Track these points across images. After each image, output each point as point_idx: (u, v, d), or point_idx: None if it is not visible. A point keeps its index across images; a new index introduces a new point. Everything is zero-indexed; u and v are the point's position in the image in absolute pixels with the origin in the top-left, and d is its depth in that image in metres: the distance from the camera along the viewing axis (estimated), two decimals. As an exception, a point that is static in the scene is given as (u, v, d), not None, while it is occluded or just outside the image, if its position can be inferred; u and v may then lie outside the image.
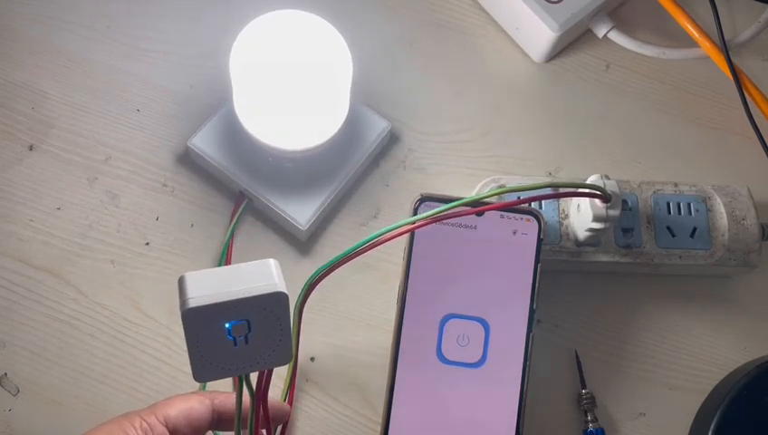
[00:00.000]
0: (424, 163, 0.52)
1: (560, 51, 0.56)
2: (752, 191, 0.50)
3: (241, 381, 0.37)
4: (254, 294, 0.34)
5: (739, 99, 0.53)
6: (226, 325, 0.34)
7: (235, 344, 0.35)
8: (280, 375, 0.46)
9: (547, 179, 0.51)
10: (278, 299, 0.35)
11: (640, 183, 0.50)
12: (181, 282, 0.35)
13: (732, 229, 0.49)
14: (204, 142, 0.50)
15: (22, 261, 0.48)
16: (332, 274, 0.41)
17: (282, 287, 0.35)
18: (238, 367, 0.36)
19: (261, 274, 0.35)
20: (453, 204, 0.42)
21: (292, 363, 0.45)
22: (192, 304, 0.34)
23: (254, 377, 0.38)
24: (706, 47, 0.53)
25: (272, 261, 0.36)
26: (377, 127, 0.51)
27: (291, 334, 0.36)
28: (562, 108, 0.55)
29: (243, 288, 0.34)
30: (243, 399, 0.37)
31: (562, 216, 0.48)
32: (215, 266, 0.49)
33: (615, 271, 0.50)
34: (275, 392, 0.46)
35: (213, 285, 0.34)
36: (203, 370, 0.35)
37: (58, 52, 0.53)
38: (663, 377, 0.49)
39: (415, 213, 0.45)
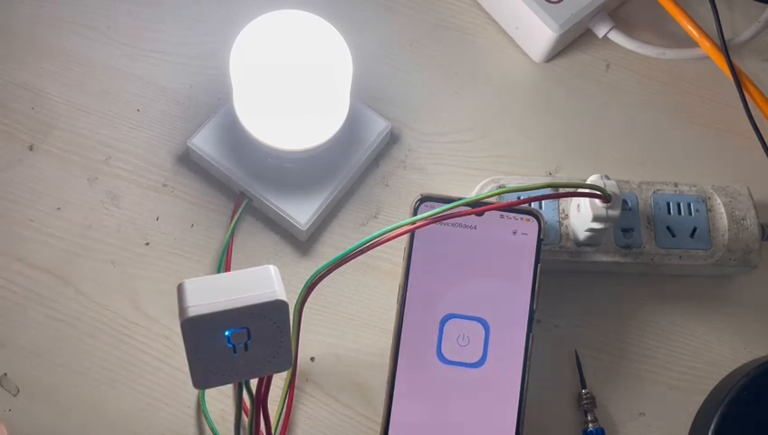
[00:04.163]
0: (424, 163, 0.52)
1: (560, 51, 0.56)
2: (752, 191, 0.50)
3: (241, 386, 0.37)
4: (254, 302, 0.34)
5: (739, 99, 0.53)
6: (226, 333, 0.34)
7: (235, 352, 0.35)
8: (280, 375, 0.46)
9: (547, 179, 0.51)
10: (278, 307, 0.35)
11: (640, 183, 0.50)
12: (180, 289, 0.35)
13: (732, 229, 0.49)
14: (204, 142, 0.50)
15: (22, 261, 0.48)
16: (332, 274, 0.41)
17: (281, 295, 0.35)
18: (238, 374, 0.35)
19: (261, 281, 0.35)
20: (453, 204, 0.42)
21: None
22: (192, 312, 0.34)
23: (253, 381, 0.38)
24: (706, 47, 0.53)
25: (272, 268, 0.36)
26: (377, 127, 0.51)
27: (291, 341, 0.36)
28: (562, 108, 0.55)
29: (242, 296, 0.34)
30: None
31: (562, 216, 0.48)
32: (215, 267, 0.49)
33: (615, 271, 0.50)
34: (276, 393, 0.46)
35: (212, 293, 0.34)
36: (202, 377, 0.35)
37: (58, 52, 0.53)
38: (663, 377, 0.49)
39: (415, 213, 0.45)
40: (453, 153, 0.53)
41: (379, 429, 0.44)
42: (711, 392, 0.48)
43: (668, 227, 0.49)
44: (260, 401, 0.38)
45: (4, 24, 0.53)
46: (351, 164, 0.50)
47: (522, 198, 0.46)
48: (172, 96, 0.53)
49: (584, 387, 0.48)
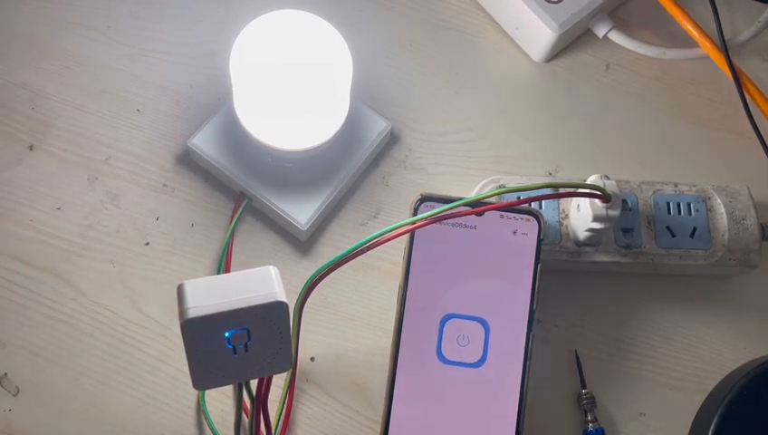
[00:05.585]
0: (424, 163, 0.52)
1: (560, 51, 0.56)
2: (752, 191, 0.50)
3: (241, 387, 0.37)
4: (254, 303, 0.34)
5: (739, 99, 0.53)
6: (226, 334, 0.34)
7: (235, 353, 0.35)
8: (280, 375, 0.46)
9: (547, 179, 0.51)
10: (278, 308, 0.35)
11: (640, 183, 0.50)
12: (180, 290, 0.35)
13: (732, 229, 0.49)
14: (204, 142, 0.50)
15: (22, 261, 0.48)
16: (332, 274, 0.41)
17: (282, 296, 0.35)
18: (238, 375, 0.35)
19: (261, 282, 0.35)
20: (453, 204, 0.42)
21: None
22: (192, 314, 0.34)
23: (253, 382, 0.38)
24: (706, 47, 0.53)
25: (272, 268, 0.36)
26: (377, 127, 0.51)
27: (291, 342, 0.36)
28: (562, 108, 0.55)
29: (242, 297, 0.34)
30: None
31: (562, 216, 0.48)
32: (215, 267, 0.49)
33: (615, 271, 0.50)
34: (276, 393, 0.46)
35: (212, 294, 0.34)
36: (202, 378, 0.35)
37: (58, 52, 0.53)
38: (663, 377, 0.49)
39: (415, 213, 0.45)
40: (453, 153, 0.53)
41: (379, 429, 0.44)
42: (711, 392, 0.48)
43: (668, 227, 0.49)
44: (260, 401, 0.38)
45: (4, 23, 0.53)
46: (351, 164, 0.50)
47: (522, 198, 0.46)
48: (172, 96, 0.53)
49: (584, 387, 0.48)
